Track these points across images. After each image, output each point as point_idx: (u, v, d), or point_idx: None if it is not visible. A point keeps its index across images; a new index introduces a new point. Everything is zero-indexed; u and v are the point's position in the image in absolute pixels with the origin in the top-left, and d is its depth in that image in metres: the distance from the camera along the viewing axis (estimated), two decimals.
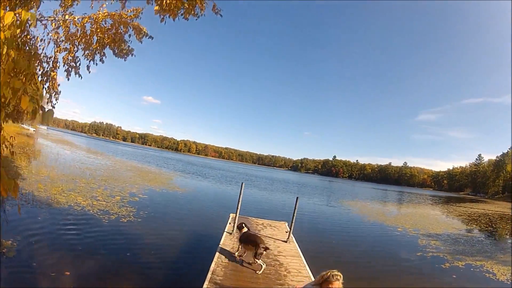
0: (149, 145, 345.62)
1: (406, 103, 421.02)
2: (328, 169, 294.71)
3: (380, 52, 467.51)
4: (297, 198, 10.59)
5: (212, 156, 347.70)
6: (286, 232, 11.30)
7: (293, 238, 10.59)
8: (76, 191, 16.68)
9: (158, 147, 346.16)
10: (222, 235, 9.77)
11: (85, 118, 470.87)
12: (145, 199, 18.61)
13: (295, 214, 10.48)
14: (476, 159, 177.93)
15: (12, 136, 4.07)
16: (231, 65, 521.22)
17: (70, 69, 7.13)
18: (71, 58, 7.01)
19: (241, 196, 10.42)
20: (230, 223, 11.16)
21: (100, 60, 7.46)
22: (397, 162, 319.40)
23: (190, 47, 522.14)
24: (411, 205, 48.92)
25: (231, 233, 10.05)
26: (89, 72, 7.60)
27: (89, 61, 7.34)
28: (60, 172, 21.98)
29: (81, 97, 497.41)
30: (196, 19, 5.82)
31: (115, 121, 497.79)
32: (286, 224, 12.99)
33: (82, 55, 7.25)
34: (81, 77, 7.50)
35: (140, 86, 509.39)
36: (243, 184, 10.60)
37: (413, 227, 22.71)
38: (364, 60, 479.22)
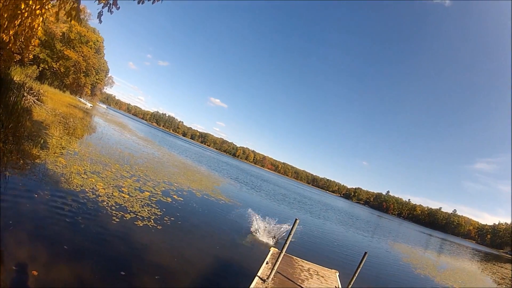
0: (207, 145, 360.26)
1: (465, 149, 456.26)
2: (379, 203, 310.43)
3: (448, 94, 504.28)
4: (365, 253, 8.30)
5: (268, 168, 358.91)
6: None
7: None
8: (101, 175, 15.28)
9: (216, 148, 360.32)
10: (253, 280, 7.37)
11: (149, 106, 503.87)
12: (178, 202, 16.80)
13: (356, 274, 7.86)
14: None
15: None
16: (300, 84, 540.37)
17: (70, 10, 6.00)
18: None
19: (292, 233, 8.00)
20: (267, 263, 8.89)
21: (113, 4, 6.10)
22: (446, 207, 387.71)
23: (263, 60, 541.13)
24: (457, 258, 47.17)
25: (265, 281, 7.71)
26: (100, 22, 6.48)
27: (102, 7, 6.15)
28: (94, 150, 21.09)
29: (148, 86, 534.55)
30: None
31: (178, 115, 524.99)
32: (337, 274, 10.93)
33: None
34: (99, 21, 6.23)
35: (209, 87, 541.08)
36: (297, 220, 8.06)
37: None
38: (431, 99, 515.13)
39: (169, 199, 16.43)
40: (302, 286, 8.59)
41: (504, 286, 30.45)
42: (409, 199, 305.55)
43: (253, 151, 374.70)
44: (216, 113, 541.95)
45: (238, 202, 25.16)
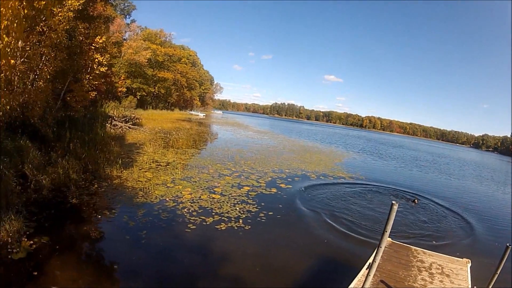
0: (333, 123, 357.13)
1: None
2: (506, 148, 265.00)
3: None
4: (506, 248, 5.25)
5: (397, 132, 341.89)
6: None
7: None
8: (192, 179, 14.21)
9: (342, 124, 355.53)
10: None
11: (267, 100, 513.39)
12: (285, 190, 14.88)
13: (498, 272, 5.28)
14: None
15: None
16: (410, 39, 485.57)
17: None
18: None
19: (390, 220, 4.41)
20: (367, 269, 5.71)
21: None
22: None
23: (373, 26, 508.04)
24: None
25: None
26: None
27: None
28: (193, 156, 20.48)
29: (260, 82, 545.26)
30: None
31: (297, 101, 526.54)
32: (468, 266, 7.03)
33: None
34: None
35: (320, 65, 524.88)
36: (396, 205, 4.37)
37: None
38: None
39: (274, 190, 14.58)
40: None
41: None
42: None
43: (379, 118, 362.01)
44: (334, 89, 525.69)
45: (359, 176, 21.90)
